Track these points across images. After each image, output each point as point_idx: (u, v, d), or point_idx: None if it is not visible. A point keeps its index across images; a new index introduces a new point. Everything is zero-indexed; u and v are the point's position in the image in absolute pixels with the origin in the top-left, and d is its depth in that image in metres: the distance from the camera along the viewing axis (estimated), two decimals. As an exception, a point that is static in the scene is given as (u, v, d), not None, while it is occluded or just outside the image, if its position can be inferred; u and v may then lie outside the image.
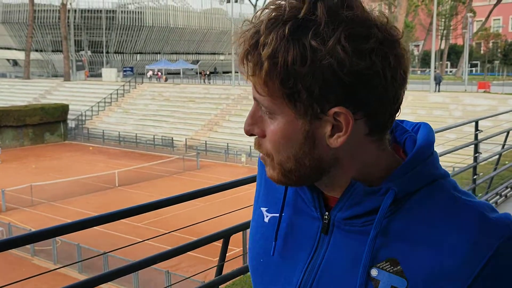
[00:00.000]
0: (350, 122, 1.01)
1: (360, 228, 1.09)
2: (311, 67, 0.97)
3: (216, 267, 3.99)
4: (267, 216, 1.28)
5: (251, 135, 1.11)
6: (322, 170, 1.08)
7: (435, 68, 50.04)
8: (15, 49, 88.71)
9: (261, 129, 1.08)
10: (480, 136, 7.74)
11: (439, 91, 46.04)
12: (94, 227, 2.98)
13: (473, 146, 7.76)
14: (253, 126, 1.09)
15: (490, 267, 1.00)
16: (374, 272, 1.07)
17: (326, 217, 1.14)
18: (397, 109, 1.08)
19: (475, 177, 7.73)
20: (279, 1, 1.02)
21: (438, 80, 46.70)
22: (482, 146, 8.20)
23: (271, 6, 1.02)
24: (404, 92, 1.08)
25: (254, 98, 1.07)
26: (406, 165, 1.08)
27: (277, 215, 1.24)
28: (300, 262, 1.17)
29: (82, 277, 18.91)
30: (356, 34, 0.98)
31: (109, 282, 19.52)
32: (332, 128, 1.03)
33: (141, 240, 4.92)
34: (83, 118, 56.34)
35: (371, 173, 1.09)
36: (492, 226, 1.02)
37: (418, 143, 1.12)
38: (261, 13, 1.03)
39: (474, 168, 7.81)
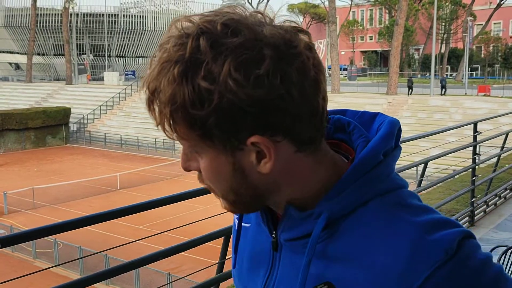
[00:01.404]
0: (271, 147, 0.97)
1: (302, 249, 1.04)
2: (210, 108, 0.92)
3: (217, 265, 4.04)
4: (235, 224, 1.27)
5: (189, 171, 1.08)
6: (262, 197, 1.05)
7: (435, 71, 50.11)
8: (17, 52, 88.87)
9: (196, 165, 1.05)
10: (479, 138, 7.80)
11: (444, 94, 46.11)
12: (97, 230, 3.05)
13: (471, 148, 7.82)
14: (189, 163, 1.06)
15: (430, 283, 0.91)
16: None
17: (273, 235, 1.12)
18: (321, 117, 1.01)
19: (474, 178, 7.79)
20: (166, 44, 0.95)
21: (443, 84, 46.85)
22: (481, 149, 8.27)
23: (161, 49, 0.96)
24: (322, 97, 1.01)
25: None
26: (341, 183, 1.01)
27: (247, 225, 1.24)
28: (260, 278, 1.16)
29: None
30: (245, 61, 0.91)
31: (110, 284, 19.44)
32: (256, 155, 0.98)
33: (144, 237, 4.99)
34: (85, 121, 56.40)
35: (310, 191, 1.04)
36: (426, 251, 0.93)
37: (361, 153, 1.03)
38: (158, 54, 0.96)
39: (473, 169, 7.87)
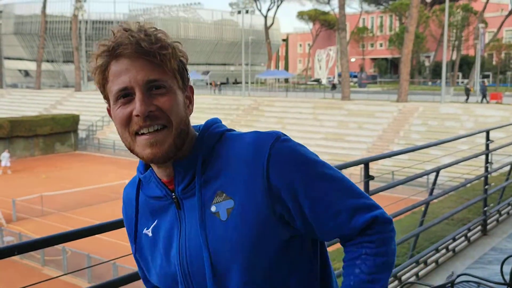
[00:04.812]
0: (193, 100, 1.63)
1: (194, 192, 1.55)
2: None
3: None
4: (148, 231, 1.66)
5: (148, 113, 1.47)
6: (186, 136, 1.57)
7: (446, 79, 49.80)
8: (27, 59, 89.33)
9: (154, 106, 1.49)
10: (491, 146, 7.64)
11: (487, 102, 45.43)
12: (105, 238, 2.92)
13: (484, 156, 7.65)
14: (149, 107, 1.48)
15: (272, 158, 1.50)
16: (213, 208, 1.52)
17: (174, 195, 1.58)
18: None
19: (486, 187, 7.63)
20: None
21: (483, 92, 46.09)
22: (493, 157, 8.10)
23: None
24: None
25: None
26: (199, 138, 1.59)
27: (154, 223, 1.64)
28: (174, 242, 1.58)
29: None
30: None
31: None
32: (188, 98, 1.61)
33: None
34: (94, 128, 56.46)
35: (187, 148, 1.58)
36: (263, 139, 1.53)
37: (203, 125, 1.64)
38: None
39: (486, 178, 7.70)
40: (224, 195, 1.51)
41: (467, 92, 47.06)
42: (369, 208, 1.58)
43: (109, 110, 1.58)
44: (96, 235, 2.97)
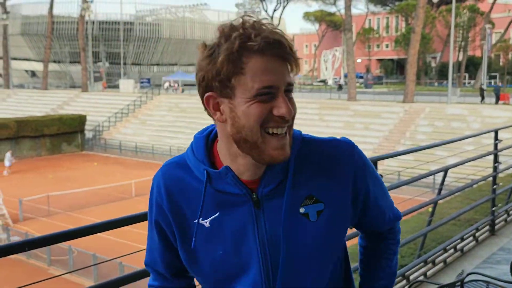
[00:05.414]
0: None
1: (280, 192, 1.59)
2: None
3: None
4: (205, 222, 1.63)
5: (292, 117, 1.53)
6: None
7: (453, 80, 49.65)
8: (34, 60, 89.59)
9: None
10: (499, 146, 7.60)
11: (497, 103, 45.27)
12: (110, 237, 2.91)
13: (492, 156, 7.61)
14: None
15: (358, 165, 1.66)
16: (302, 210, 1.59)
17: (254, 195, 1.59)
18: None
19: (495, 187, 7.59)
20: None
21: (496, 93, 45.92)
22: (500, 158, 8.05)
23: None
24: None
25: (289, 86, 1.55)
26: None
27: (214, 215, 1.62)
28: (249, 240, 1.60)
29: None
30: None
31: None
32: None
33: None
34: (100, 128, 56.54)
35: None
36: (345, 142, 1.68)
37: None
38: None
39: (494, 178, 7.66)
40: (314, 198, 1.60)
41: (482, 92, 46.83)
42: (394, 207, 1.87)
43: (209, 98, 1.56)
44: (101, 235, 2.94)
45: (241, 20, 1.50)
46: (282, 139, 1.52)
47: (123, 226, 2.88)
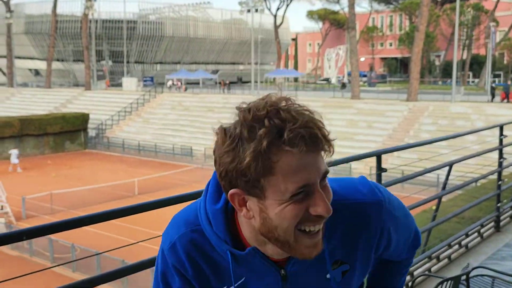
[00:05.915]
0: None
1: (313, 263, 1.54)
2: None
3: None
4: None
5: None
6: None
7: (457, 78, 49.55)
8: (37, 59, 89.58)
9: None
10: (504, 142, 7.51)
11: (508, 101, 45.11)
12: (111, 235, 2.85)
13: (497, 153, 7.52)
14: None
15: (385, 225, 1.59)
16: (328, 276, 1.55)
17: (283, 271, 1.53)
18: None
19: (500, 182, 7.50)
20: None
21: (506, 91, 45.73)
22: (506, 155, 7.96)
23: None
24: None
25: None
26: None
27: (241, 280, 1.54)
28: None
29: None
30: None
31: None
32: None
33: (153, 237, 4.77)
34: (104, 127, 56.55)
35: None
36: (372, 202, 1.57)
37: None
38: None
39: (499, 174, 7.58)
40: (340, 261, 1.56)
41: (493, 91, 46.75)
42: (414, 233, 1.82)
43: (234, 195, 1.41)
44: (104, 233, 2.89)
45: (265, 111, 1.33)
46: (315, 236, 1.40)
47: (124, 216, 2.86)
